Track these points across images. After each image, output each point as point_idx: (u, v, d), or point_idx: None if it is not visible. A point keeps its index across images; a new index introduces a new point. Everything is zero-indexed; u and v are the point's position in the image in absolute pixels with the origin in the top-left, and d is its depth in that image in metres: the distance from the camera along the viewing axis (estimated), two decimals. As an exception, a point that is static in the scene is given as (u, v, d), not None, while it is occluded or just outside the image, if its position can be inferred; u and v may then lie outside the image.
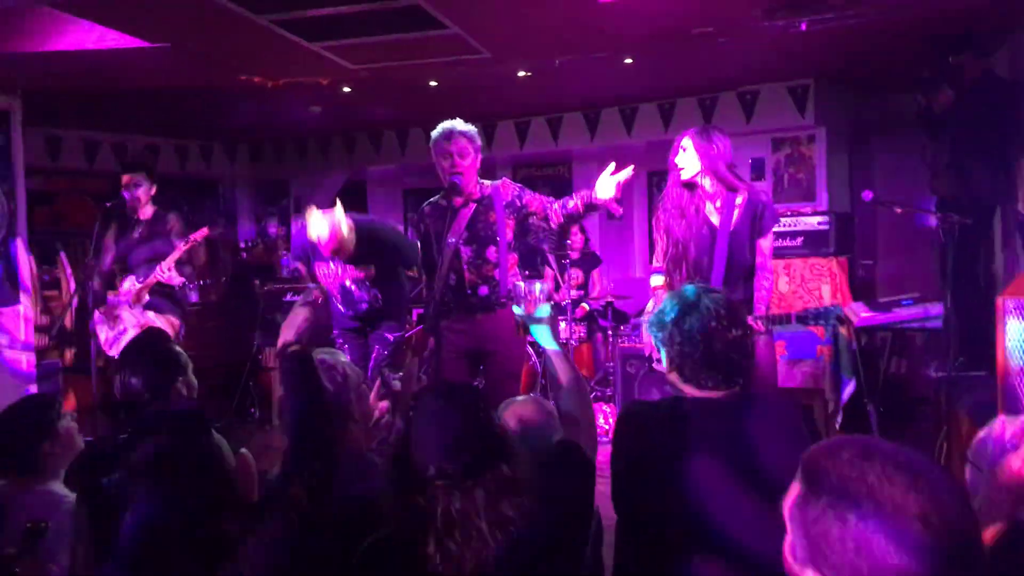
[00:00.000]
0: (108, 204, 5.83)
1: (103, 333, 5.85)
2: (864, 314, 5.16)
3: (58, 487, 2.85)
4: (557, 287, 7.42)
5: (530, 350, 7.04)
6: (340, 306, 4.96)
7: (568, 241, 7.74)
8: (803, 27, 4.58)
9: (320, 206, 4.65)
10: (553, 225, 4.14)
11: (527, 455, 2.14)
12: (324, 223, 4.52)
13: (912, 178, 6.39)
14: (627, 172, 3.88)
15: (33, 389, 5.98)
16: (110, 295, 5.92)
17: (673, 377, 2.46)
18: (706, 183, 3.86)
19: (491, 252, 4.18)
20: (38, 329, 6.39)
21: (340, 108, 7.57)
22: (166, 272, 5.71)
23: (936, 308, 5.06)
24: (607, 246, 8.65)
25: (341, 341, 5.06)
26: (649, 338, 4.06)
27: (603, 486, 2.43)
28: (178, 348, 3.04)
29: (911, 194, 6.04)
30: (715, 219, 3.85)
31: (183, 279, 5.88)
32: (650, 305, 4.15)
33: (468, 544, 1.89)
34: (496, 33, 5.01)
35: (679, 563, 2.23)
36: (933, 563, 1.08)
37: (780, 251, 6.12)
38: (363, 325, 5.07)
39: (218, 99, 7.13)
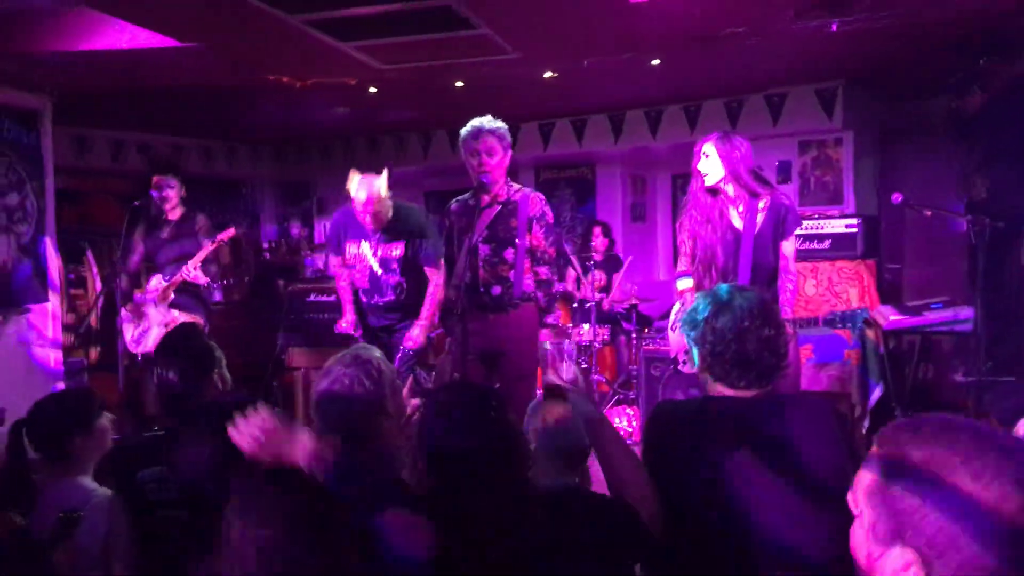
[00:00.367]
0: (136, 203, 5.88)
1: (129, 331, 5.89)
2: (893, 317, 5.12)
3: (88, 481, 2.87)
4: (578, 287, 7.41)
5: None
6: (364, 297, 4.92)
7: (591, 243, 7.74)
8: (834, 28, 4.56)
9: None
10: (538, 271, 4.30)
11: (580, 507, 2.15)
12: (365, 184, 4.58)
13: (940, 182, 6.36)
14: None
15: (61, 387, 6.04)
16: (136, 293, 5.97)
17: (704, 376, 2.46)
18: (729, 188, 3.87)
19: (508, 253, 4.21)
20: (64, 327, 6.44)
21: (365, 110, 7.60)
22: (192, 271, 5.75)
23: (966, 312, 5.02)
24: (631, 249, 8.63)
25: (360, 333, 5.04)
26: (675, 341, 4.08)
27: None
28: (212, 343, 3.06)
29: (938, 198, 6.00)
30: (738, 223, 3.86)
31: (208, 278, 5.92)
32: (676, 308, 4.15)
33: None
34: (525, 34, 5.02)
35: (711, 563, 2.23)
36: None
37: (807, 254, 6.08)
38: (386, 328, 4.95)
39: (245, 100, 7.18)
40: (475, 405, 2.17)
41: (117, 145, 8.75)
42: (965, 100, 5.48)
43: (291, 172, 10.14)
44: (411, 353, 4.92)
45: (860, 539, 1.22)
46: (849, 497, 1.26)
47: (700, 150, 3.89)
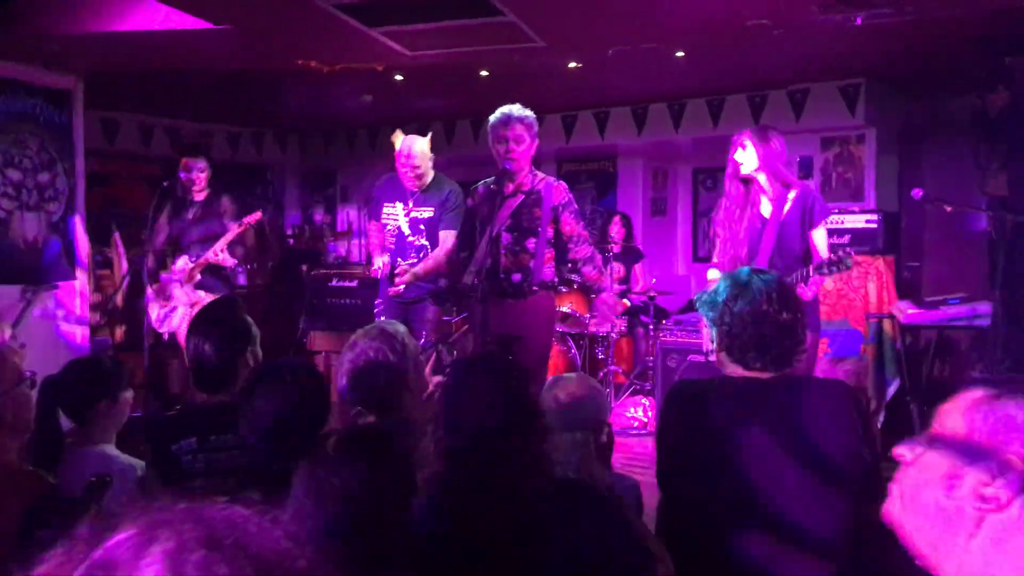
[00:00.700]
0: (165, 184, 5.96)
1: (154, 310, 5.97)
2: (910, 311, 5.13)
3: (111, 449, 2.94)
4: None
5: (570, 342, 7.09)
6: (390, 258, 5.13)
7: (610, 234, 7.78)
8: (859, 22, 4.57)
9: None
10: (567, 255, 4.41)
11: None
12: (409, 140, 4.99)
13: (962, 180, 6.35)
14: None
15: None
16: (162, 273, 6.05)
17: (722, 357, 2.49)
18: (761, 179, 4.01)
19: (531, 243, 4.26)
20: (91, 307, 6.54)
21: (390, 98, 7.66)
22: (220, 253, 5.82)
23: (983, 307, 5.02)
24: (650, 241, 8.65)
25: (381, 309, 5.16)
26: (708, 333, 4.13)
27: (642, 476, 2.48)
28: (248, 319, 3.09)
29: (960, 195, 5.99)
30: (766, 212, 4.01)
31: (235, 260, 6.00)
32: None
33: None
34: (552, 22, 5.06)
35: (724, 541, 2.26)
36: None
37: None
38: (415, 300, 5.16)
39: (273, 86, 7.26)
40: (497, 378, 2.23)
41: (146, 129, 8.87)
42: (990, 98, 5.47)
43: (316, 160, 10.24)
44: (431, 339, 5.05)
45: (935, 469, 1.25)
46: (900, 448, 1.30)
47: (738, 140, 4.05)
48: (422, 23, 5.01)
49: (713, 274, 4.10)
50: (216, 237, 5.87)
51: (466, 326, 4.86)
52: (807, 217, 3.95)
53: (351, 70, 6.27)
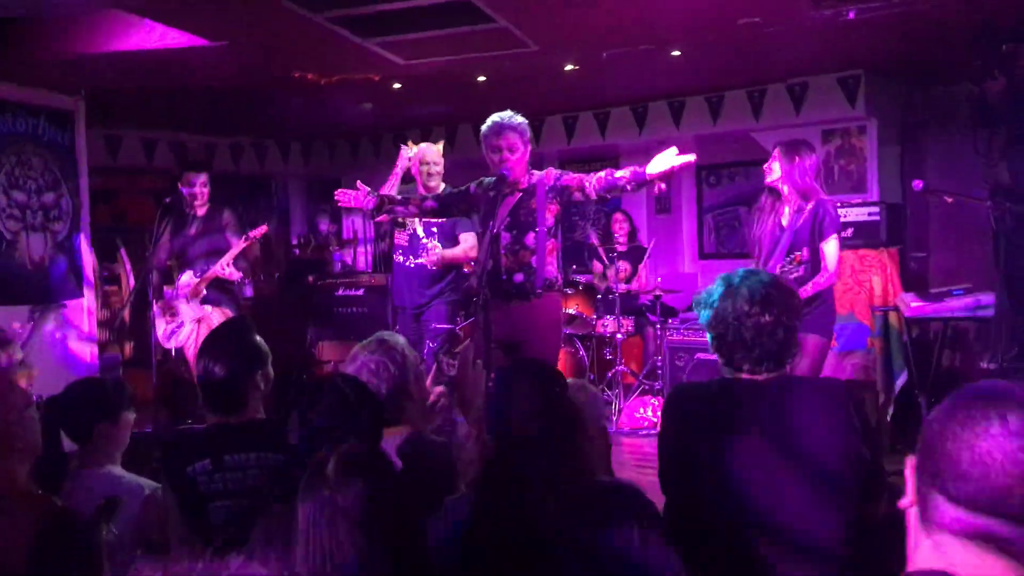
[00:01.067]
0: (167, 200, 5.99)
1: (161, 326, 6.00)
2: (914, 304, 5.12)
3: (116, 469, 2.96)
4: (604, 279, 7.46)
5: (578, 343, 7.10)
6: (402, 257, 5.60)
7: (613, 231, 7.78)
8: (851, 16, 4.56)
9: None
10: (592, 194, 4.24)
11: None
12: (426, 144, 5.53)
13: (966, 168, 6.32)
14: (688, 158, 4.04)
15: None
16: (167, 289, 6.07)
17: (717, 358, 2.51)
18: (785, 189, 4.37)
19: (530, 238, 4.20)
20: (99, 323, 6.58)
21: (390, 105, 7.68)
22: (226, 267, 5.85)
23: (987, 298, 5.00)
24: (655, 239, 8.64)
25: (393, 320, 5.29)
26: None
27: (653, 476, 2.49)
28: (259, 339, 3.10)
29: (965, 185, 5.96)
30: (785, 221, 4.38)
31: (240, 274, 6.03)
32: None
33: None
34: (543, 26, 5.07)
35: (723, 544, 2.26)
36: None
37: (830, 242, 6.10)
38: (422, 306, 5.54)
39: (273, 97, 7.28)
40: (543, 384, 2.22)
41: (149, 144, 8.91)
42: (987, 85, 5.45)
43: (319, 168, 10.26)
44: (436, 348, 5.14)
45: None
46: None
47: (772, 153, 4.45)
48: (414, 33, 5.03)
49: None
50: (219, 252, 5.89)
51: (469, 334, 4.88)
52: (817, 229, 4.25)
53: (348, 80, 6.30)
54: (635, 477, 4.69)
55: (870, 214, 6.18)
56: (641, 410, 6.64)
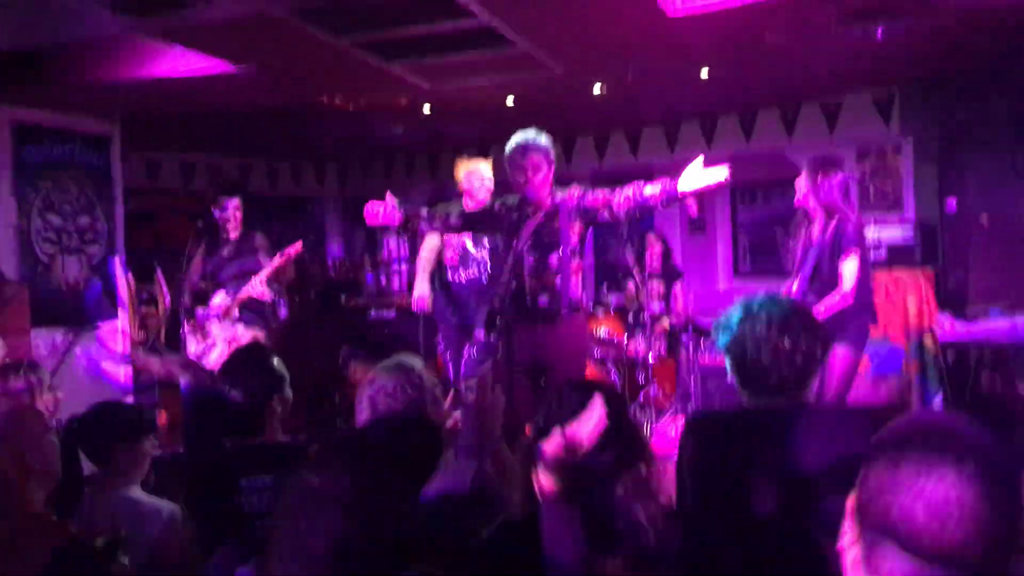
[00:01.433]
0: (200, 223, 6.06)
1: (192, 346, 6.06)
2: (949, 326, 5.00)
3: (136, 492, 2.98)
4: (637, 300, 7.39)
5: (609, 365, 7.04)
6: (452, 275, 5.61)
7: (647, 253, 7.72)
8: (879, 34, 4.49)
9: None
10: (621, 215, 4.13)
11: None
12: (476, 160, 5.72)
13: (1005, 184, 6.18)
14: (720, 171, 3.88)
15: (130, 400, 6.26)
16: (199, 310, 6.13)
17: (736, 383, 2.47)
18: (811, 205, 4.44)
19: (553, 259, 4.15)
20: (135, 344, 6.67)
21: (422, 127, 7.71)
22: (258, 288, 5.89)
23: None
24: (690, 259, 8.56)
25: (444, 347, 5.28)
26: None
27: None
28: (277, 363, 3.11)
29: (1004, 201, 5.84)
30: (814, 238, 4.44)
31: (272, 294, 6.06)
32: None
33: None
34: (566, 49, 5.05)
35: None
36: None
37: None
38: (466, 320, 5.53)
39: (305, 120, 7.36)
40: (613, 406, 2.12)
41: (187, 167, 9.05)
42: (1025, 100, 5.34)
43: (354, 189, 10.33)
44: (476, 356, 5.07)
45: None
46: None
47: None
48: (438, 57, 5.05)
49: None
50: (252, 273, 5.93)
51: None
52: (836, 247, 4.27)
53: (377, 104, 6.33)
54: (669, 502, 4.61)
55: (904, 234, 6.07)
56: (672, 431, 6.57)
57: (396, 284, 9.69)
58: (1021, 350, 5.18)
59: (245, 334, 5.95)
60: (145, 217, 8.90)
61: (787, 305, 2.47)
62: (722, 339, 2.48)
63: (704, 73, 5.80)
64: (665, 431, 6.59)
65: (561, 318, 4.17)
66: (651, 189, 4.05)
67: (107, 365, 6.32)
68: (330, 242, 10.70)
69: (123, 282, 6.53)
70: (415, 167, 9.60)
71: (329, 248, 10.64)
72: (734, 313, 2.46)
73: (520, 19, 4.47)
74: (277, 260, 5.90)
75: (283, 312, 8.04)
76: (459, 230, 4.81)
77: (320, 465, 1.74)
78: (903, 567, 1.13)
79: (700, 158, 3.93)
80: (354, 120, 7.23)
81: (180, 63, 5.08)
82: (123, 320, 6.49)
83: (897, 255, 6.04)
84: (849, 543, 1.22)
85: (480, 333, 4.87)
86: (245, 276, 5.96)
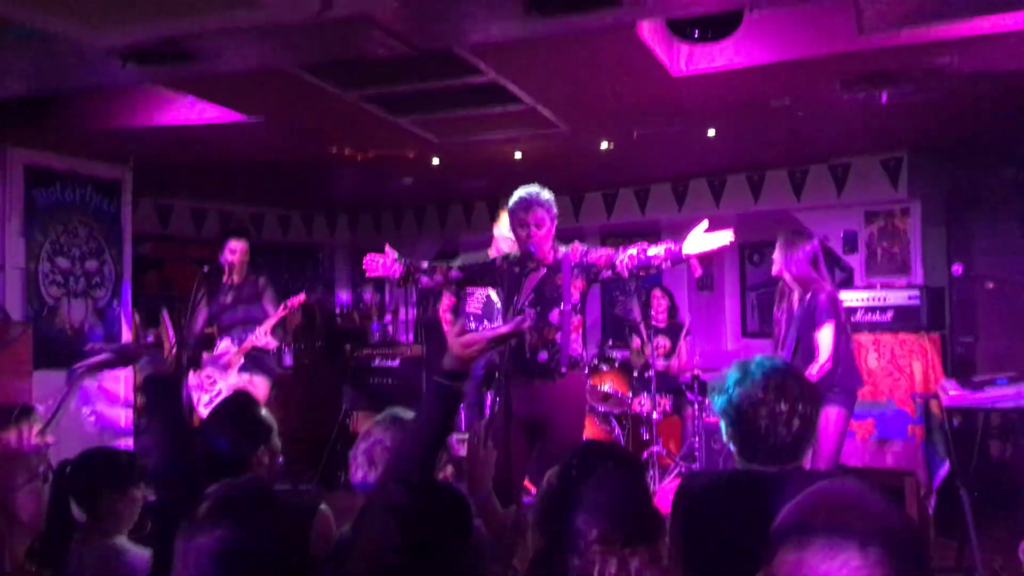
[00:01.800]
0: (204, 269, 6.07)
1: (196, 394, 6.04)
2: (953, 392, 4.93)
3: (122, 541, 2.94)
4: (642, 355, 7.35)
5: (613, 421, 6.98)
6: (475, 324, 5.43)
7: (652, 308, 7.69)
8: (884, 100, 4.51)
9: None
10: (624, 274, 4.14)
11: None
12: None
13: (1012, 251, 6.16)
14: (725, 235, 3.93)
15: (129, 443, 6.24)
16: (204, 355, 6.12)
17: (731, 447, 2.43)
18: (787, 278, 4.63)
19: (554, 315, 4.12)
20: (138, 388, 6.66)
21: (431, 179, 7.76)
22: (263, 337, 5.88)
23: (1031, 388, 4.79)
24: (698, 317, 8.52)
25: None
26: None
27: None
28: (265, 413, 3.09)
29: (1012, 267, 5.81)
30: (795, 308, 4.62)
31: (276, 343, 6.05)
32: None
33: None
34: (571, 108, 5.10)
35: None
36: None
37: (869, 326, 5.99)
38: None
39: (316, 170, 7.42)
40: (632, 475, 2.11)
41: (198, 214, 9.12)
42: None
43: (365, 239, 10.37)
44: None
45: None
46: None
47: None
48: (446, 112, 5.09)
49: None
50: (255, 320, 5.93)
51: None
52: (810, 319, 4.45)
53: (386, 156, 6.38)
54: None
55: (910, 298, 6.02)
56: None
57: (404, 333, 9.68)
58: (1027, 418, 5.10)
59: (251, 380, 5.93)
60: (155, 263, 8.95)
61: (783, 368, 2.44)
62: (718, 402, 2.44)
63: (711, 132, 5.83)
64: (670, 491, 6.49)
65: (560, 374, 4.13)
66: (655, 250, 4.05)
67: (107, 409, 6.30)
68: (339, 291, 10.73)
69: (127, 326, 6.54)
70: (425, 218, 9.65)
71: (338, 297, 10.66)
72: (730, 375, 2.43)
73: (527, 78, 4.53)
74: (280, 312, 5.91)
75: (288, 360, 8.05)
76: (460, 284, 4.77)
77: (209, 522, 1.74)
78: None
79: (705, 222, 3.95)
80: (364, 171, 7.28)
81: (191, 111, 5.16)
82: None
83: (903, 318, 5.97)
84: None
85: (472, 388, 4.86)
86: (249, 323, 5.96)
